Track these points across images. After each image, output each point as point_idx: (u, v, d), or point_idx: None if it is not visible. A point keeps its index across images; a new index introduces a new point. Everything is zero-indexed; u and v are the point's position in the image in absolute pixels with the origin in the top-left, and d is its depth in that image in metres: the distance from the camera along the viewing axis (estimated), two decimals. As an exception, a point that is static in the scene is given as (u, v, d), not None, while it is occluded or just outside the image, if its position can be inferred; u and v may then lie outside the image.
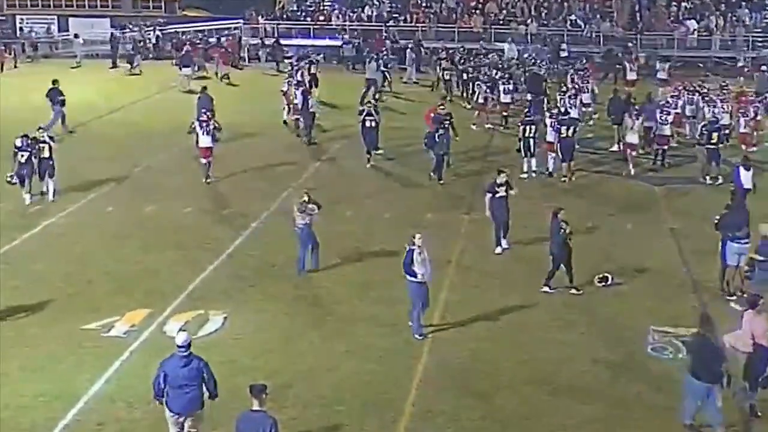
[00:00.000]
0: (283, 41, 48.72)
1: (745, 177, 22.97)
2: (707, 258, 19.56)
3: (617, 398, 14.55)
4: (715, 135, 26.29)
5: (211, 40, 50.62)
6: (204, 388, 12.18)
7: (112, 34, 50.86)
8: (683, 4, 49.44)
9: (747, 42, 46.34)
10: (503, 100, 33.96)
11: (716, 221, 18.60)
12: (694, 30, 47.53)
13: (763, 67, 39.47)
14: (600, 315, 17.66)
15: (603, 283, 18.89)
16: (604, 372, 15.39)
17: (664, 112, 28.63)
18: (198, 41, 49.60)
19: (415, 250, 16.13)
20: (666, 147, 28.45)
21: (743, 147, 28.67)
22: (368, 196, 25.23)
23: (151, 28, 53.70)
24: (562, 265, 18.36)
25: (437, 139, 26.38)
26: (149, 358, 14.70)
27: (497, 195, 20.38)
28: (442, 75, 39.37)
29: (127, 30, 53.30)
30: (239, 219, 23.11)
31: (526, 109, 29.87)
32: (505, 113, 33.79)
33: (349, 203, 24.31)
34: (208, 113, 27.04)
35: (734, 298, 18.10)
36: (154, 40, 52.31)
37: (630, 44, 45.31)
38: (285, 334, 16.66)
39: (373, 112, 28.32)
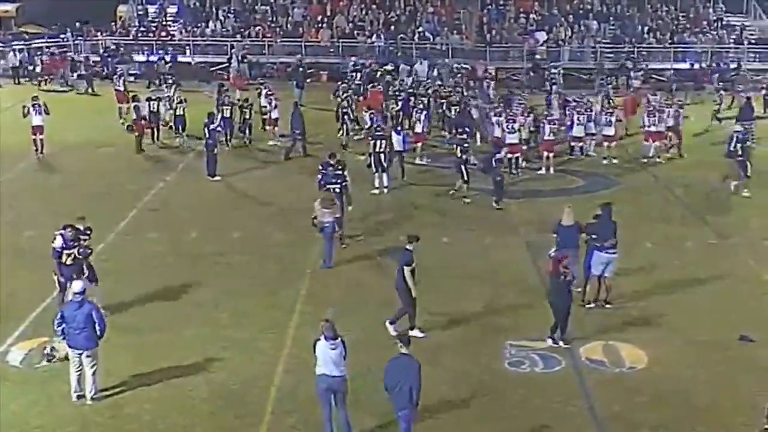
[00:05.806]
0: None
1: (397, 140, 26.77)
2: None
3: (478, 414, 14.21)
4: (739, 147, 26.18)
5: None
6: (96, 330, 14.20)
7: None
8: (531, 15, 49.48)
9: (595, 52, 46.52)
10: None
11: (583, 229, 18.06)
12: (544, 41, 47.54)
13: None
14: (456, 331, 17.04)
15: None
16: (463, 388, 14.90)
17: (510, 121, 28.00)
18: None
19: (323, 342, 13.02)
20: (517, 155, 28.14)
21: (545, 153, 28.85)
22: (215, 216, 24.20)
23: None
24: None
25: (494, 164, 25.06)
26: (-9, 388, 14.72)
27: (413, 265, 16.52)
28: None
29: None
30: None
31: (376, 124, 28.84)
32: None
33: (194, 223, 23.44)
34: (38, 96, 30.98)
35: (592, 306, 17.86)
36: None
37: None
38: (134, 362, 15.73)
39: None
